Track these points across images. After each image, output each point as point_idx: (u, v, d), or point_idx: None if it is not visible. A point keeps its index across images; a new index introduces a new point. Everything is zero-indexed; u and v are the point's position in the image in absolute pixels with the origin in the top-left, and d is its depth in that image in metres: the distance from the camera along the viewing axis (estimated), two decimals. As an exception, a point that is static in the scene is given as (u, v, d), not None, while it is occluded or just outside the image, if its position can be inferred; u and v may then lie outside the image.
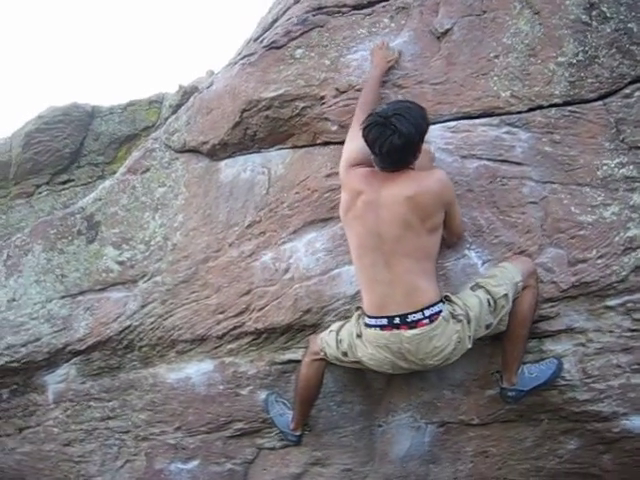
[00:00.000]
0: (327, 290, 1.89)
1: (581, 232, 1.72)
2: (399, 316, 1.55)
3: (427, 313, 1.54)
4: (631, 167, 1.75)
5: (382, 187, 1.57)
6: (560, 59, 1.85)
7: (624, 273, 1.70)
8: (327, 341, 1.75)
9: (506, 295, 1.62)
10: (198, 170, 2.30)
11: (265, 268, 2.04)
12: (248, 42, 2.30)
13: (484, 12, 1.93)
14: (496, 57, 1.87)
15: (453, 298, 1.61)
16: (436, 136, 1.84)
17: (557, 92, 1.83)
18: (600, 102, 1.80)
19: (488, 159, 1.80)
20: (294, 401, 1.89)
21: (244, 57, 2.21)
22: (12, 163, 3.62)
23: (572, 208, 1.75)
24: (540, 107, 1.82)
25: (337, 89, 1.95)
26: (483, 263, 1.75)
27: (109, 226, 2.29)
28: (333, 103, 1.95)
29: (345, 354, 1.70)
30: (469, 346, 1.59)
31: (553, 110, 1.82)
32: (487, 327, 1.63)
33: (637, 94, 1.81)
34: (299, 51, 2.03)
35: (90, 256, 2.27)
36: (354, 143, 1.68)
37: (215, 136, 2.22)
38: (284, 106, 2.04)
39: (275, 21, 2.16)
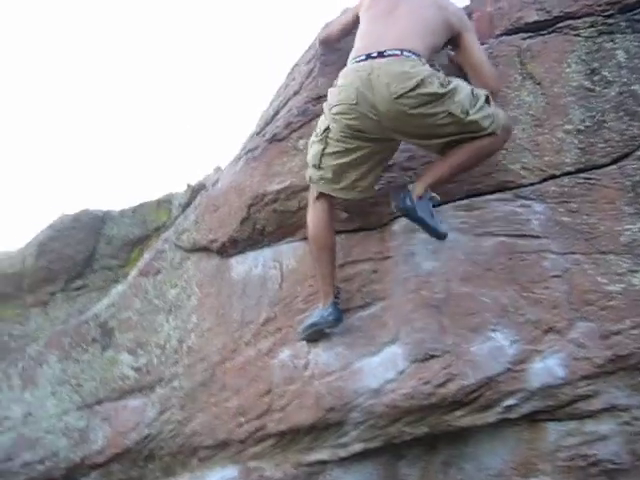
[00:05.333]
0: (349, 385, 2.41)
1: (611, 302, 2.24)
2: (378, 52, 2.22)
3: (406, 53, 2.20)
4: None
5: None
6: (567, 127, 2.54)
7: (662, 342, 2.28)
8: (310, 174, 2.41)
9: (487, 97, 2.24)
10: (209, 269, 2.99)
11: (284, 366, 2.61)
12: (252, 136, 3.06)
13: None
14: None
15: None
16: (449, 216, 2.50)
17: (568, 160, 2.51)
18: (614, 166, 2.42)
19: (505, 235, 2.42)
20: (316, 272, 2.45)
21: (248, 152, 2.98)
22: (26, 274, 4.49)
23: (598, 278, 2.35)
24: (553, 177, 2.46)
25: None
26: (511, 344, 2.33)
27: (123, 331, 2.97)
28: (341, 190, 2.68)
29: (320, 157, 2.34)
30: (440, 91, 2.15)
31: (566, 179, 2.45)
32: (463, 112, 2.17)
33: None
34: (302, 142, 2.71)
35: (105, 363, 2.92)
36: None
37: (224, 233, 2.90)
38: (290, 198, 2.75)
39: (276, 114, 2.94)
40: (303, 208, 2.66)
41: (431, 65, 2.33)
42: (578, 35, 2.64)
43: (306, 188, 2.66)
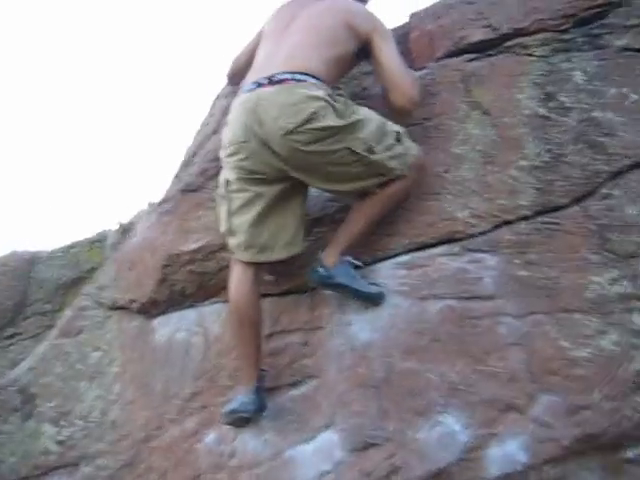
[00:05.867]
0: (282, 477, 2.19)
1: (577, 371, 2.02)
2: (267, 77, 2.04)
3: (298, 77, 2.01)
4: (625, 282, 2.14)
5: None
6: (522, 163, 2.31)
7: (638, 415, 2.08)
8: (227, 243, 2.24)
9: (399, 134, 2.11)
10: (131, 330, 2.80)
11: (210, 451, 2.38)
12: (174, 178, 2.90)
13: (425, 119, 2.49)
14: (446, 171, 2.35)
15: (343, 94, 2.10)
16: (387, 276, 2.26)
17: (524, 202, 2.25)
18: (576, 207, 2.19)
19: (453, 297, 2.16)
20: (237, 349, 2.24)
21: (161, 203, 2.77)
22: None
23: (562, 342, 2.13)
24: (507, 222, 2.21)
25: None
26: (463, 428, 2.08)
27: (45, 399, 2.81)
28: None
29: (228, 218, 2.18)
30: (337, 124, 1.99)
31: (523, 224, 2.21)
32: (367, 150, 2.02)
33: (617, 192, 2.27)
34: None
35: (27, 436, 2.76)
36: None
37: (142, 294, 2.71)
38: (208, 259, 2.52)
39: (193, 157, 2.75)
40: (224, 268, 2.46)
41: (334, 87, 2.13)
42: (530, 55, 2.44)
43: (225, 247, 2.45)
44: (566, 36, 2.41)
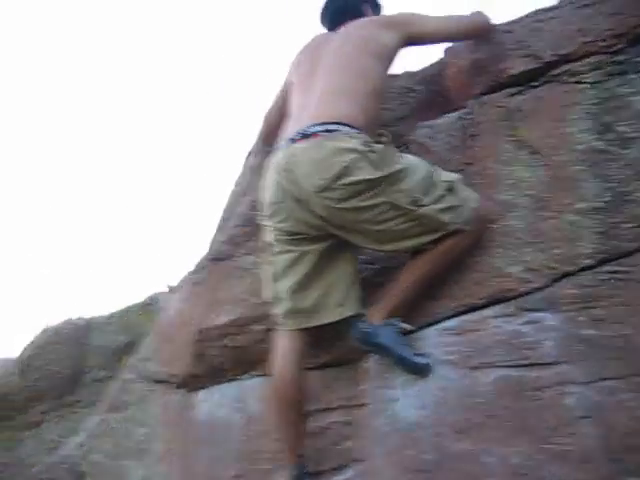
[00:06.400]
0: None
1: None
2: (299, 132, 2.01)
3: (330, 127, 1.97)
4: None
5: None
6: (580, 205, 2.12)
7: None
8: (275, 316, 2.18)
9: (451, 184, 2.02)
10: (174, 405, 2.81)
11: None
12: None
13: (467, 164, 2.38)
14: (493, 222, 2.29)
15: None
16: (434, 344, 2.08)
17: (586, 250, 2.06)
18: None
19: (509, 365, 1.99)
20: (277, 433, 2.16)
21: (193, 273, 2.80)
22: (12, 393, 4.76)
23: (644, 411, 1.98)
24: (567, 275, 2.04)
25: None
26: None
27: (94, 478, 2.93)
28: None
29: (274, 284, 2.15)
30: (374, 176, 1.93)
31: (586, 276, 2.02)
32: (412, 203, 1.95)
33: None
34: (249, 260, 2.45)
35: None
36: None
37: (181, 368, 2.69)
38: (241, 332, 2.45)
39: (227, 219, 2.74)
40: (259, 342, 2.42)
41: (376, 132, 2.06)
42: (580, 82, 2.29)
43: (258, 319, 2.41)
44: (620, 57, 2.26)
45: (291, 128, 2.11)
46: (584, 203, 2.10)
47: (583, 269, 2.07)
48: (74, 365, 4.93)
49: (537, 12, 2.35)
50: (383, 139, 2.06)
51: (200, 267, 2.64)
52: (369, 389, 2.14)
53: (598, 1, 2.29)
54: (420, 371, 2.00)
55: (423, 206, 1.97)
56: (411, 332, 2.09)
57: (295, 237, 2.08)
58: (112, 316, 4.98)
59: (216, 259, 2.54)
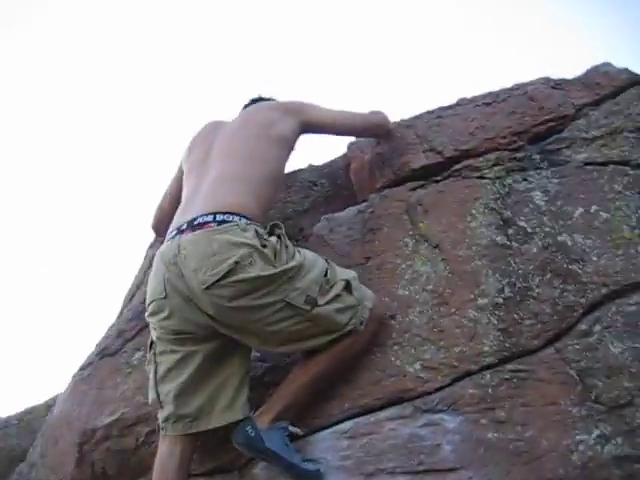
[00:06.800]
0: None
1: None
2: (187, 222, 1.92)
3: (220, 217, 1.90)
4: (619, 440, 1.93)
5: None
6: (481, 301, 2.11)
7: None
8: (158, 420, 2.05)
9: (348, 283, 1.98)
10: None
11: None
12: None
13: (367, 259, 2.38)
14: (392, 317, 2.13)
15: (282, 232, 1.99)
16: (327, 448, 1.95)
17: (487, 348, 2.02)
18: (550, 350, 1.99)
19: (405, 472, 1.88)
20: None
21: (80, 370, 2.70)
22: None
23: (548, 524, 1.90)
24: (468, 374, 2.01)
25: None
26: None
27: None
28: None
29: (156, 386, 2.02)
30: (266, 273, 1.85)
31: (488, 375, 1.99)
32: (308, 302, 1.88)
33: (597, 328, 2.08)
34: (138, 355, 2.34)
35: None
36: None
37: (65, 474, 2.48)
38: (125, 434, 2.29)
39: (120, 314, 2.69)
40: (143, 445, 2.27)
41: (270, 225, 2.02)
42: (482, 177, 2.37)
43: (142, 419, 2.28)
44: (520, 154, 2.36)
45: (180, 217, 2.03)
46: (485, 299, 2.11)
47: (484, 368, 2.04)
48: (-17, 470, 4.64)
49: (439, 109, 2.46)
50: (277, 231, 2.01)
51: (87, 363, 2.54)
52: (255, 501, 2.02)
53: (497, 100, 2.41)
54: (309, 478, 1.91)
55: (318, 306, 1.91)
56: (303, 436, 2.01)
57: (180, 336, 1.97)
58: (13, 418, 4.67)
59: (104, 354, 2.45)
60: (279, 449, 1.86)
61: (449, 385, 2.03)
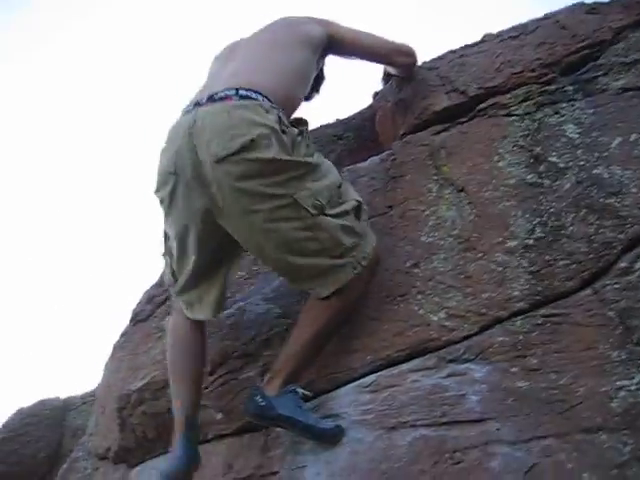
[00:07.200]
0: None
1: None
2: (208, 95, 1.83)
3: (243, 93, 1.80)
4: None
5: None
6: (510, 244, 1.97)
7: None
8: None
9: (359, 207, 1.93)
10: None
11: None
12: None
13: (389, 208, 2.29)
14: (415, 266, 2.09)
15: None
16: (349, 403, 1.88)
17: (517, 293, 1.90)
18: (587, 291, 1.85)
19: (427, 425, 1.81)
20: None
21: (120, 337, 2.75)
22: None
23: (585, 474, 1.76)
24: (497, 321, 1.89)
25: (212, 362, 2.23)
26: None
27: None
28: (210, 383, 2.25)
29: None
30: (282, 158, 1.76)
31: (519, 321, 1.88)
32: (315, 206, 1.77)
33: (638, 265, 1.94)
34: (168, 318, 2.49)
35: None
36: None
37: (113, 441, 2.55)
38: (158, 397, 2.29)
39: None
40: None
41: (297, 120, 1.99)
42: (509, 115, 2.21)
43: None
44: (552, 87, 2.19)
45: (198, 94, 1.95)
46: (515, 241, 1.97)
47: (515, 314, 1.92)
48: (50, 449, 4.86)
49: (462, 48, 2.32)
50: (301, 126, 1.93)
51: (124, 331, 2.58)
52: (279, 455, 1.98)
53: (525, 32, 2.25)
54: (330, 438, 1.83)
55: (325, 215, 1.80)
56: (324, 393, 1.94)
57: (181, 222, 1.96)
58: (88, 395, 4.84)
59: (137, 320, 2.47)
60: (292, 412, 1.81)
61: (477, 334, 1.93)
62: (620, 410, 1.70)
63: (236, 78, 1.89)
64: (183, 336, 2.03)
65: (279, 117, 1.81)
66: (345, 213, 1.85)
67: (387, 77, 2.36)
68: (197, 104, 1.85)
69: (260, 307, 2.12)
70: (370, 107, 2.49)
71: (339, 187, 1.88)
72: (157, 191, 1.93)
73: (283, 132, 1.80)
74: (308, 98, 2.32)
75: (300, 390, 1.84)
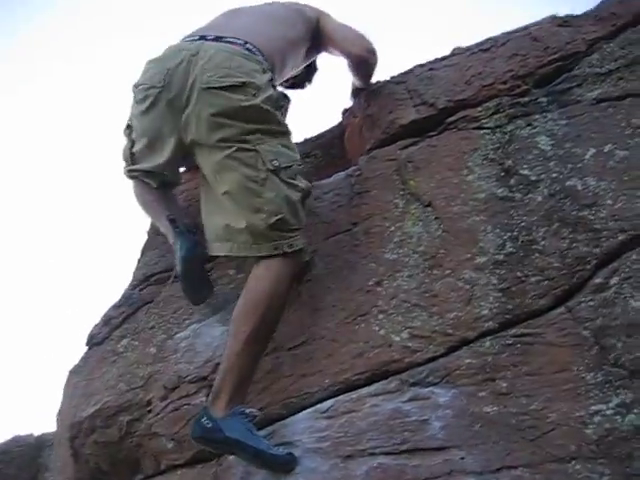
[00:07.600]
0: None
1: None
2: (215, 36, 1.99)
3: (251, 47, 1.96)
4: None
5: None
6: (479, 260, 1.86)
7: None
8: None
9: (307, 191, 1.94)
10: None
11: None
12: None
13: (353, 225, 2.16)
14: (378, 284, 1.96)
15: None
16: (304, 430, 1.74)
17: (486, 312, 1.79)
18: (560, 309, 1.75)
19: (386, 453, 1.67)
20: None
21: (78, 362, 2.59)
22: None
23: (557, 511, 1.58)
24: (465, 342, 1.78)
25: (164, 387, 2.14)
26: None
27: None
28: (161, 409, 2.11)
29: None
30: (263, 106, 1.87)
31: (487, 342, 1.77)
32: (272, 164, 1.85)
33: (614, 280, 1.78)
34: (123, 342, 2.22)
35: None
36: None
37: (69, 475, 2.47)
38: (108, 424, 2.14)
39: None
40: (125, 437, 2.13)
41: (283, 94, 2.11)
42: (480, 127, 2.12)
43: (124, 408, 2.13)
44: (525, 98, 2.10)
45: (205, 30, 2.08)
46: (484, 257, 1.86)
47: (484, 334, 1.81)
48: (26, 488, 4.66)
49: (431, 62, 2.24)
50: (284, 100, 2.07)
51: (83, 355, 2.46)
52: (230, 488, 1.82)
53: (495, 45, 2.18)
54: (282, 466, 1.68)
55: (278, 177, 1.84)
56: (277, 421, 1.79)
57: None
58: None
59: (93, 344, 2.34)
60: (242, 436, 1.68)
61: (442, 355, 1.81)
62: (595, 437, 1.58)
63: (244, 32, 2.01)
64: (149, 192, 2.12)
65: (271, 79, 1.94)
66: (295, 187, 1.86)
67: (356, 92, 2.27)
68: (203, 37, 2.00)
69: (216, 329, 1.98)
70: (340, 124, 2.40)
71: (299, 166, 1.92)
72: (136, 87, 2.05)
73: (270, 92, 1.92)
74: (301, 86, 2.52)
75: (248, 410, 1.69)
